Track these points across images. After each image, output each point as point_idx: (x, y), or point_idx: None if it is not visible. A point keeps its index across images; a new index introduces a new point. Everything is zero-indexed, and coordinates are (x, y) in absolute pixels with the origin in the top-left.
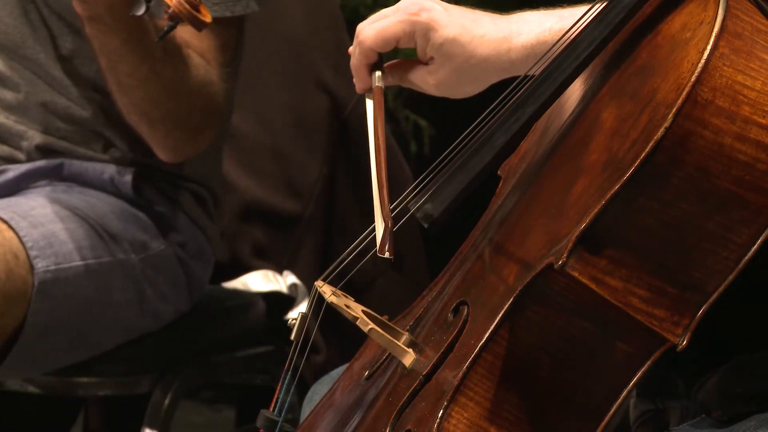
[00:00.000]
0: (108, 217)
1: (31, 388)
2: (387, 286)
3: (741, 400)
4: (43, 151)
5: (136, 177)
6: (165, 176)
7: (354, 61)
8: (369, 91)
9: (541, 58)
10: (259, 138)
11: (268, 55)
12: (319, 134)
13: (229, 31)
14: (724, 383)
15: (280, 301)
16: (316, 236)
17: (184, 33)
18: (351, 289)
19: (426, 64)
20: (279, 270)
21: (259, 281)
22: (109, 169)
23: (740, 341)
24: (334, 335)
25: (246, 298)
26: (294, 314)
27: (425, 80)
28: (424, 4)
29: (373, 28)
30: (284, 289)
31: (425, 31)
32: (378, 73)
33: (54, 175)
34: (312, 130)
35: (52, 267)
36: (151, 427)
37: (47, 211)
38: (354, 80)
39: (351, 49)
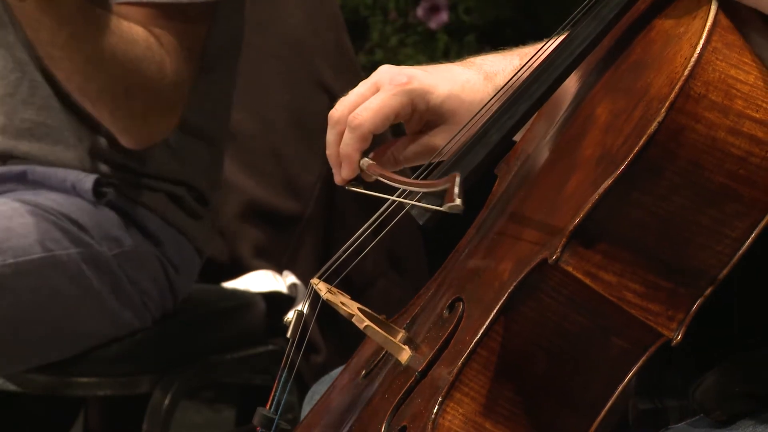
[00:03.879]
0: (76, 213)
1: (31, 389)
2: (387, 286)
3: (739, 399)
4: (2, 157)
5: (99, 183)
6: (128, 179)
7: (347, 149)
8: (353, 182)
9: (509, 81)
10: (259, 138)
11: (268, 55)
12: (319, 134)
13: (187, 20)
14: (722, 382)
15: (280, 301)
16: (316, 236)
17: (141, 16)
18: (351, 289)
19: (419, 132)
20: (279, 270)
21: (259, 281)
22: (71, 176)
23: (737, 339)
24: (334, 335)
25: (246, 298)
26: (292, 314)
27: (432, 144)
28: (407, 72)
29: (369, 110)
30: (284, 289)
31: (422, 96)
32: (366, 159)
33: (18, 180)
34: (312, 130)
35: (10, 260)
36: (150, 427)
37: (5, 209)
38: (339, 170)
39: (331, 137)
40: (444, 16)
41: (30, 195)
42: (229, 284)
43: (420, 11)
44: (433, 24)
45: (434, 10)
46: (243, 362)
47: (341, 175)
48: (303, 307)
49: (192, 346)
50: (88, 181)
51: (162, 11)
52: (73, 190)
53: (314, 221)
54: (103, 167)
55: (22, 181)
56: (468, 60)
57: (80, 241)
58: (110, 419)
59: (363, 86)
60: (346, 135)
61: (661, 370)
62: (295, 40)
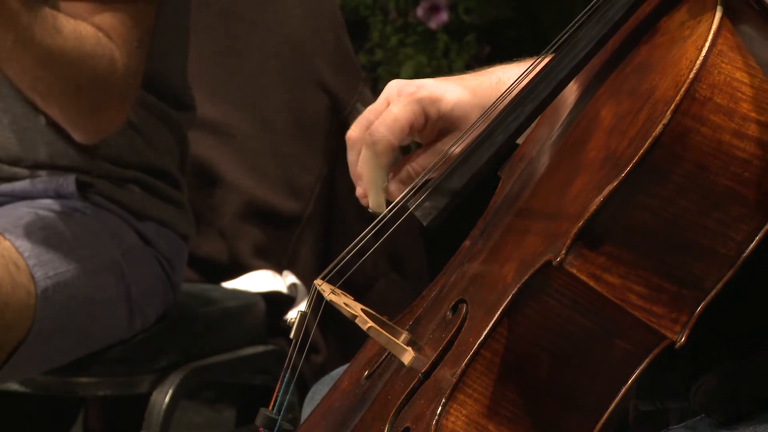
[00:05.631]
0: (82, 220)
1: (31, 388)
2: (387, 287)
3: (741, 400)
4: None
5: (80, 183)
6: (104, 174)
7: (366, 166)
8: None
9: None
10: (259, 138)
11: (268, 55)
12: (319, 134)
13: (135, 13)
14: (724, 383)
15: (280, 301)
16: (316, 236)
17: (83, 15)
18: (351, 289)
19: (433, 141)
20: (279, 270)
21: (259, 281)
22: (48, 184)
23: (739, 340)
24: (335, 336)
25: (246, 298)
26: (294, 314)
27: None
28: (414, 83)
29: (384, 124)
30: (284, 289)
31: (433, 103)
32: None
33: (10, 196)
34: (312, 130)
35: (51, 273)
36: (150, 427)
37: (34, 219)
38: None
39: (352, 158)
40: (444, 16)
41: (36, 205)
42: (229, 284)
43: (420, 11)
44: (433, 24)
45: (434, 10)
46: (243, 362)
47: (358, 194)
48: (306, 307)
49: (192, 346)
50: (69, 183)
51: (109, 5)
52: (58, 196)
53: (314, 221)
54: (82, 163)
55: (12, 196)
56: (484, 69)
57: (99, 246)
58: (110, 419)
59: (375, 104)
60: (364, 152)
61: (663, 372)
62: (295, 40)
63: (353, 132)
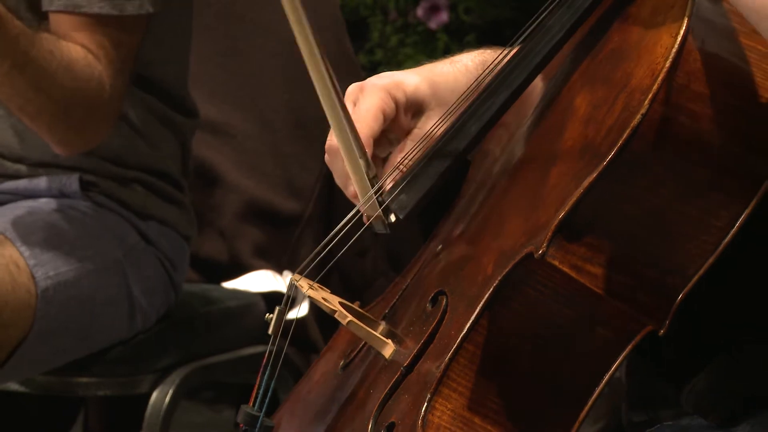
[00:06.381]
0: (84, 220)
1: (31, 388)
2: (386, 286)
3: (735, 399)
4: None
5: (83, 182)
6: (107, 174)
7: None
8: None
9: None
10: (259, 138)
11: (268, 55)
12: (319, 134)
13: (123, 30)
14: (716, 382)
15: (280, 301)
16: (316, 236)
17: (72, 29)
18: (351, 289)
19: (411, 129)
20: (279, 270)
21: (259, 281)
22: (51, 183)
23: (728, 334)
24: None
25: (246, 298)
26: (293, 314)
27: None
28: (372, 77)
29: (358, 120)
30: (284, 289)
31: (397, 87)
32: None
33: (13, 193)
34: (312, 130)
35: (52, 273)
36: (150, 427)
37: (35, 219)
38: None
39: (335, 166)
40: (444, 16)
41: (37, 203)
42: (229, 284)
43: (420, 11)
44: (433, 24)
45: (434, 10)
46: (243, 362)
47: (349, 195)
48: (283, 304)
49: (192, 346)
50: (73, 182)
51: (99, 21)
52: (61, 195)
53: (314, 221)
54: (84, 163)
55: (15, 194)
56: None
57: (101, 245)
58: (110, 419)
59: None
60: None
61: (654, 380)
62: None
63: (331, 140)
